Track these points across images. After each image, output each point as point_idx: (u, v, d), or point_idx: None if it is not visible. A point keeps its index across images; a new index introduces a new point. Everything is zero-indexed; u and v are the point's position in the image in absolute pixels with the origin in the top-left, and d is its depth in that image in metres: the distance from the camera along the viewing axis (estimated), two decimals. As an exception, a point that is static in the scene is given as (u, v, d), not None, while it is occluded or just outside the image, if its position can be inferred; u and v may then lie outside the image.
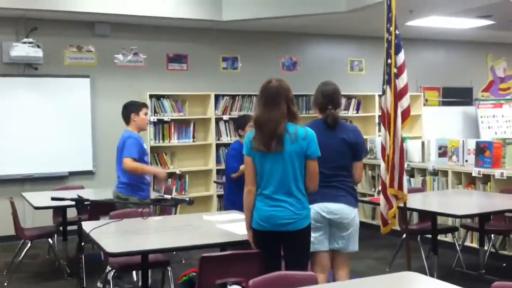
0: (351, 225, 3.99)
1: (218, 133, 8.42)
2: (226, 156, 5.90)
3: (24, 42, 7.27)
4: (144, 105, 5.48)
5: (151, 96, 7.88)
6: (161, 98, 8.08)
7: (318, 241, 3.87)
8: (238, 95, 8.56)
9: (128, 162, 5.02)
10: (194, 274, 3.96)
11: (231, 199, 5.64)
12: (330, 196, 3.85)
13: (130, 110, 5.28)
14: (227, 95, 8.50)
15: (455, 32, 9.43)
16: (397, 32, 4.57)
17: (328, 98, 4.05)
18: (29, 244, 5.73)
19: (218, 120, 8.41)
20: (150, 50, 8.25)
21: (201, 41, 8.69)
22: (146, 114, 5.34)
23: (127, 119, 5.29)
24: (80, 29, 7.93)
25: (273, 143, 3.43)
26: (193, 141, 8.33)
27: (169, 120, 8.07)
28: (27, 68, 7.63)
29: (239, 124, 5.83)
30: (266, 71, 8.44)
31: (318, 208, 3.82)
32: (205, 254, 3.34)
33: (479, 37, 10.21)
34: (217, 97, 8.40)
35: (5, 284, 5.59)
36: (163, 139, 8.00)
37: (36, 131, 7.63)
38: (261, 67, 8.86)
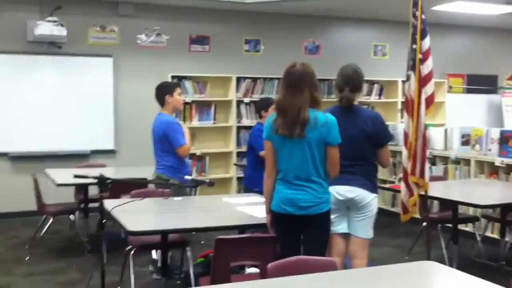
0: (366, 209, 3.96)
1: (239, 116, 8.42)
2: (250, 136, 5.87)
3: (49, 21, 7.31)
4: (177, 85, 5.31)
5: (172, 77, 7.90)
6: (183, 79, 8.09)
7: (332, 223, 3.84)
8: (260, 77, 8.54)
9: (184, 151, 5.01)
10: (211, 255, 3.98)
11: (251, 177, 5.64)
12: (344, 180, 3.82)
13: (163, 91, 5.09)
14: (248, 77, 8.47)
15: (482, 18, 9.27)
16: (423, 17, 4.49)
17: (346, 79, 3.99)
18: (51, 220, 5.81)
19: (239, 103, 8.40)
20: (172, 31, 8.25)
21: (224, 23, 8.66)
22: (180, 94, 5.14)
23: (161, 101, 5.11)
24: (104, 8, 7.95)
25: (297, 129, 3.40)
26: (214, 123, 8.34)
27: (190, 101, 8.08)
28: (50, 47, 7.68)
29: (261, 105, 5.79)
30: (288, 55, 8.42)
31: (333, 191, 3.77)
32: (220, 237, 3.35)
33: (506, 24, 10.04)
34: (238, 80, 8.39)
35: (26, 258, 5.69)
36: (184, 120, 8.02)
37: (59, 109, 7.72)
38: (283, 50, 8.82)
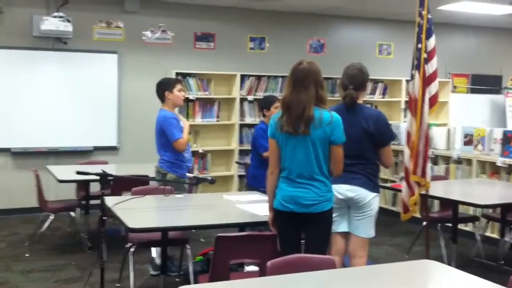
0: (366, 209, 3.96)
1: (242, 114, 8.41)
2: (253, 135, 5.85)
3: (55, 16, 7.32)
4: (177, 81, 5.36)
5: (177, 74, 7.89)
6: (187, 77, 8.09)
7: (332, 222, 3.82)
8: (264, 75, 8.53)
9: (180, 145, 5.03)
10: (211, 252, 3.99)
11: (255, 177, 5.63)
12: (344, 179, 3.82)
13: (163, 88, 5.16)
14: (253, 75, 8.47)
15: (487, 18, 9.24)
16: (429, 16, 4.49)
17: (351, 78, 4.01)
18: (51, 217, 5.80)
19: (242, 100, 8.40)
20: (178, 28, 8.26)
21: (229, 20, 8.66)
22: (180, 90, 5.20)
23: (161, 97, 5.18)
24: (110, 4, 7.96)
25: (301, 126, 3.41)
26: (217, 121, 8.34)
27: (194, 98, 8.09)
28: (56, 42, 7.69)
29: (264, 104, 5.75)
30: (293, 53, 8.43)
31: (333, 189, 3.76)
32: (220, 234, 3.36)
33: (511, 25, 10.00)
34: (242, 77, 8.39)
35: (26, 255, 5.70)
36: (187, 118, 8.01)
37: (62, 105, 7.73)
38: (288, 48, 8.82)
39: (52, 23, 7.29)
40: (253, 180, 5.68)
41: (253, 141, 5.81)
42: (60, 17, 7.34)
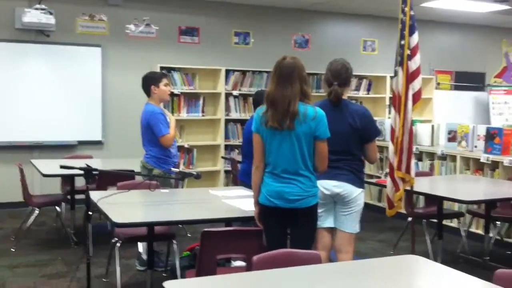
0: (353, 204, 3.98)
1: (228, 108, 8.40)
2: (245, 130, 5.68)
3: (37, 8, 7.23)
4: (163, 75, 5.33)
5: (161, 68, 7.86)
6: (172, 71, 8.06)
7: (318, 217, 3.79)
8: (249, 70, 8.52)
9: (167, 140, 5.02)
10: (198, 248, 3.99)
11: (248, 173, 5.53)
12: (331, 174, 3.84)
13: (149, 82, 5.13)
14: (238, 70, 8.46)
15: (470, 15, 9.32)
16: (412, 13, 4.51)
17: (335, 74, 4.00)
18: (36, 211, 5.77)
19: (228, 95, 8.39)
20: (162, 22, 8.21)
21: (214, 15, 8.63)
22: (166, 85, 5.16)
23: (147, 91, 5.14)
24: (93, -3, 7.90)
25: (287, 121, 3.41)
26: (202, 115, 8.32)
27: (179, 93, 8.06)
28: (38, 35, 7.62)
29: (260, 99, 5.60)
30: (277, 48, 8.44)
31: (319, 185, 3.73)
32: (206, 229, 3.35)
33: (494, 22, 10.10)
34: (227, 72, 8.37)
35: (12, 250, 5.65)
36: (172, 112, 7.98)
37: (46, 99, 7.66)
38: (273, 44, 8.82)
39: (34, 15, 7.19)
40: (246, 176, 5.57)
41: (248, 135, 5.59)
42: (42, 9, 7.25)
